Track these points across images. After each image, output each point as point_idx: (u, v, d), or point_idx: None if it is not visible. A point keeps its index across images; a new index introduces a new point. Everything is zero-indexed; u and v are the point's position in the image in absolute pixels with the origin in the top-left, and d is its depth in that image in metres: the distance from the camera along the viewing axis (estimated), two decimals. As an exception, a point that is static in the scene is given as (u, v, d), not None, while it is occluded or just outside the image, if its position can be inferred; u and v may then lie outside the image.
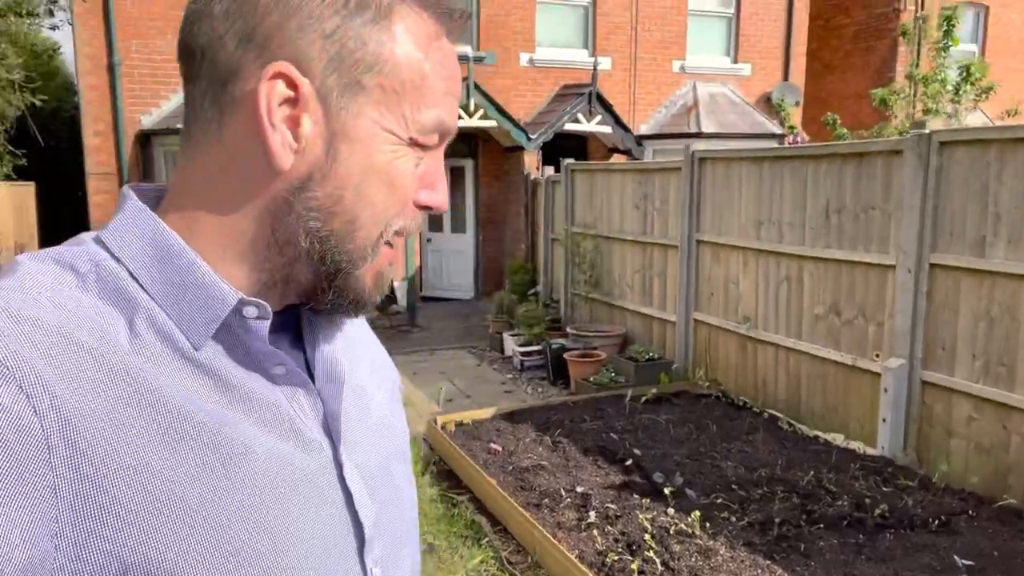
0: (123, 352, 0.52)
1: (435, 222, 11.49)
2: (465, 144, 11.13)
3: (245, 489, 0.55)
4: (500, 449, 4.69)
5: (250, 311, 0.58)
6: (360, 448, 0.66)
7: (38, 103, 8.12)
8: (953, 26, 6.27)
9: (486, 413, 5.47)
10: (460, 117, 9.67)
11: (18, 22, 7.22)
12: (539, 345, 7.25)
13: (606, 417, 5.18)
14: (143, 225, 0.58)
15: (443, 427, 5.16)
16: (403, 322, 9.67)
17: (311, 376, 0.65)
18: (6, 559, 0.44)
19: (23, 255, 0.56)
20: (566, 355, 6.71)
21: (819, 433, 4.92)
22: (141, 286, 0.56)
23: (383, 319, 9.57)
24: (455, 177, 11.37)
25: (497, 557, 3.62)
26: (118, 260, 0.57)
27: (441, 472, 4.75)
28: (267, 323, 0.59)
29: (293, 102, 0.57)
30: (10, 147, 8.09)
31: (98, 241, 0.58)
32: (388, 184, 0.60)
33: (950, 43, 6.33)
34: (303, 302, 0.64)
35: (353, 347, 0.74)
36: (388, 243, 0.63)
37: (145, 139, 8.90)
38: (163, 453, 0.51)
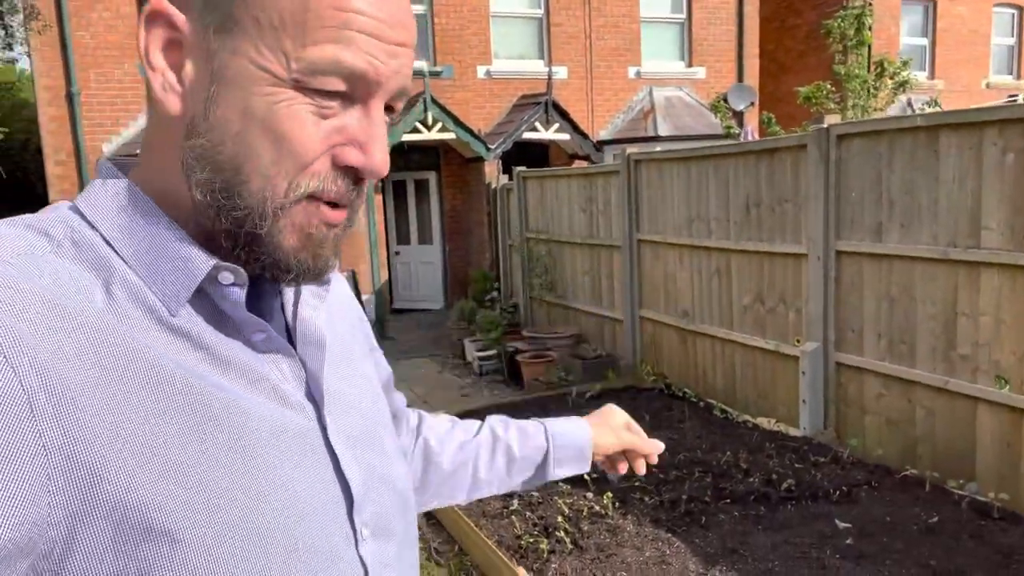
0: (101, 315, 0.52)
1: (402, 235, 11.71)
2: (427, 157, 11.36)
3: (235, 445, 0.55)
4: (441, 448, 4.88)
5: (225, 277, 0.57)
6: (344, 412, 0.66)
7: (0, 135, 8.28)
8: (863, 24, 6.57)
9: (434, 415, 5.65)
10: (418, 131, 9.99)
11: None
12: (496, 349, 7.45)
13: (549, 414, 5.36)
14: (116, 190, 0.58)
15: (392, 430, 5.34)
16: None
17: (291, 339, 0.64)
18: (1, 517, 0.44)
19: None
20: (519, 357, 6.91)
21: (748, 418, 5.14)
22: (116, 252, 0.56)
23: (351, 332, 9.74)
24: (419, 189, 11.60)
25: (427, 548, 3.81)
26: (92, 226, 0.56)
27: (387, 473, 4.93)
28: (243, 290, 0.58)
29: (177, 44, 0.55)
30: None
31: (73, 208, 0.57)
32: (271, 132, 0.55)
33: (862, 39, 6.62)
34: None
35: (337, 309, 0.74)
36: (316, 200, 0.58)
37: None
38: (151, 410, 0.51)
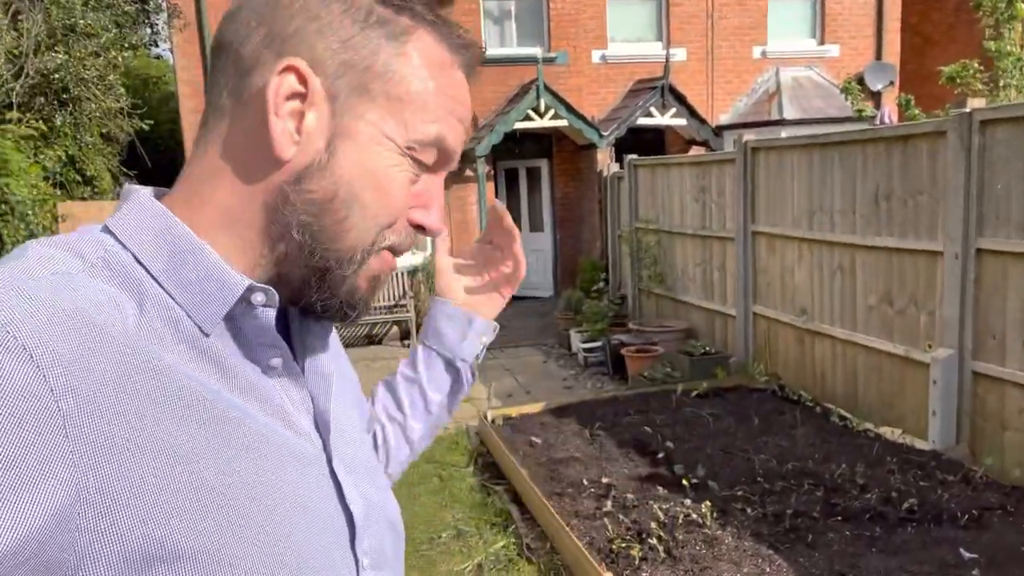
0: (133, 335, 0.53)
1: (515, 222, 11.72)
2: (540, 144, 11.30)
3: (257, 470, 0.57)
4: (539, 442, 4.84)
5: (258, 298, 0.60)
6: (346, 442, 0.69)
7: (146, 127, 8.94)
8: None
9: (535, 408, 5.63)
10: (530, 119, 9.94)
11: (122, 55, 8.03)
12: (601, 341, 7.32)
13: (650, 411, 5.22)
14: (150, 214, 0.60)
15: (492, 421, 5.36)
16: (480, 320, 9.95)
17: (298, 363, 0.67)
18: (24, 537, 0.45)
19: (32, 240, 0.57)
20: (624, 351, 6.75)
21: (870, 427, 4.76)
22: (148, 272, 0.58)
23: (461, 318, 9.89)
24: (531, 177, 11.56)
25: (519, 543, 3.78)
26: (125, 247, 0.58)
27: (485, 464, 4.95)
28: (274, 311, 0.61)
29: (302, 97, 0.59)
30: (123, 168, 8.97)
31: (105, 230, 0.60)
32: (380, 189, 0.62)
33: (1014, 12, 5.86)
34: (293, 302, 0.65)
35: (336, 342, 0.78)
36: (387, 249, 0.65)
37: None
38: (177, 431, 0.52)
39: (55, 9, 6.88)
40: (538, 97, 9.98)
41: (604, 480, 4.06)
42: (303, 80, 0.59)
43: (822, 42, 11.95)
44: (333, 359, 0.72)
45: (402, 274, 9.48)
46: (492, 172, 11.06)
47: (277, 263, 0.62)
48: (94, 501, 0.48)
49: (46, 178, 7.24)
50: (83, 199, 8.26)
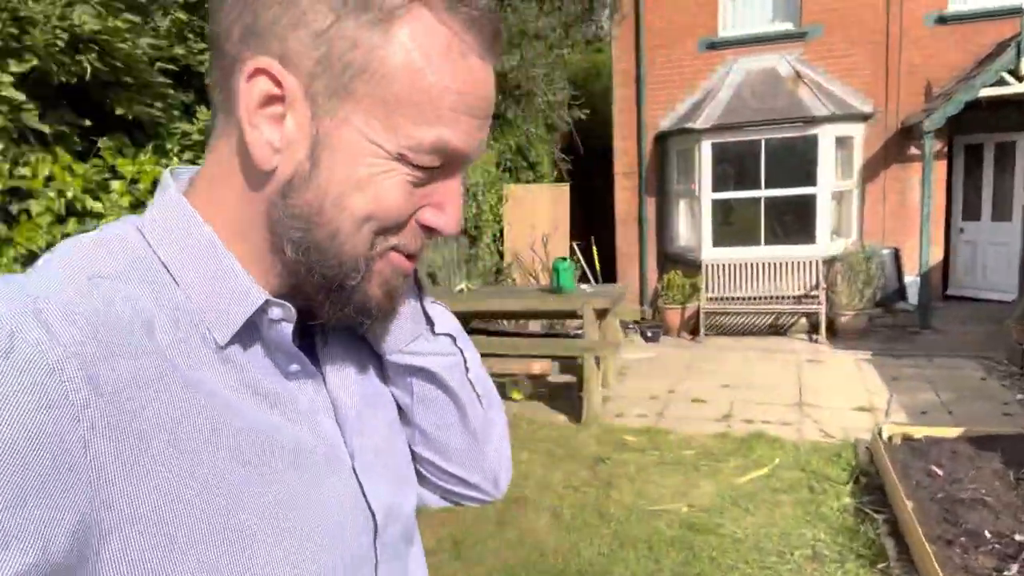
0: (157, 339, 0.53)
1: (972, 210, 9.83)
2: (1019, 114, 9.20)
3: (280, 475, 0.58)
4: (941, 474, 4.07)
5: (275, 312, 0.59)
6: (367, 436, 0.68)
7: (583, 117, 9.83)
8: None
9: (949, 432, 4.73)
10: (1004, 83, 8.17)
11: (567, 52, 8.94)
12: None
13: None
14: (178, 215, 0.58)
15: (889, 438, 4.69)
16: (910, 322, 8.66)
17: (319, 365, 0.66)
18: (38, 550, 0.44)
19: (72, 239, 0.57)
20: (1098, 380, 5.21)
21: None
22: (173, 278, 0.57)
23: (885, 317, 8.76)
24: (1001, 153, 9.52)
25: None
26: (153, 249, 0.57)
27: (869, 486, 4.36)
28: (290, 326, 0.60)
29: (279, 100, 0.55)
30: (562, 155, 10.04)
31: (138, 228, 0.58)
32: (371, 198, 0.57)
33: None
34: (309, 312, 0.62)
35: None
36: (394, 250, 0.61)
37: (661, 139, 9.93)
38: (199, 438, 0.53)
39: (511, 15, 7.99)
40: (1018, 56, 8.13)
41: (1017, 537, 3.25)
42: (278, 83, 0.54)
43: None
44: (359, 353, 0.71)
45: (816, 263, 8.75)
46: (946, 149, 9.42)
47: (288, 275, 0.60)
48: (106, 516, 0.48)
49: (497, 164, 8.52)
50: (527, 182, 9.52)
